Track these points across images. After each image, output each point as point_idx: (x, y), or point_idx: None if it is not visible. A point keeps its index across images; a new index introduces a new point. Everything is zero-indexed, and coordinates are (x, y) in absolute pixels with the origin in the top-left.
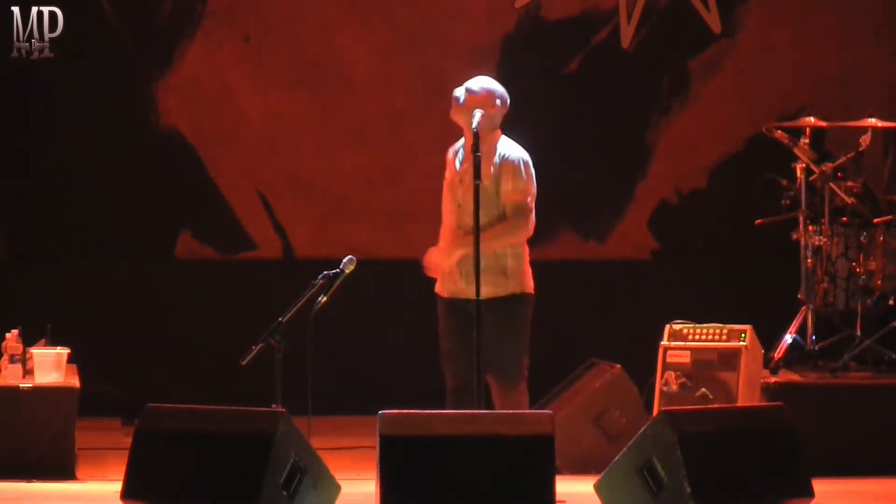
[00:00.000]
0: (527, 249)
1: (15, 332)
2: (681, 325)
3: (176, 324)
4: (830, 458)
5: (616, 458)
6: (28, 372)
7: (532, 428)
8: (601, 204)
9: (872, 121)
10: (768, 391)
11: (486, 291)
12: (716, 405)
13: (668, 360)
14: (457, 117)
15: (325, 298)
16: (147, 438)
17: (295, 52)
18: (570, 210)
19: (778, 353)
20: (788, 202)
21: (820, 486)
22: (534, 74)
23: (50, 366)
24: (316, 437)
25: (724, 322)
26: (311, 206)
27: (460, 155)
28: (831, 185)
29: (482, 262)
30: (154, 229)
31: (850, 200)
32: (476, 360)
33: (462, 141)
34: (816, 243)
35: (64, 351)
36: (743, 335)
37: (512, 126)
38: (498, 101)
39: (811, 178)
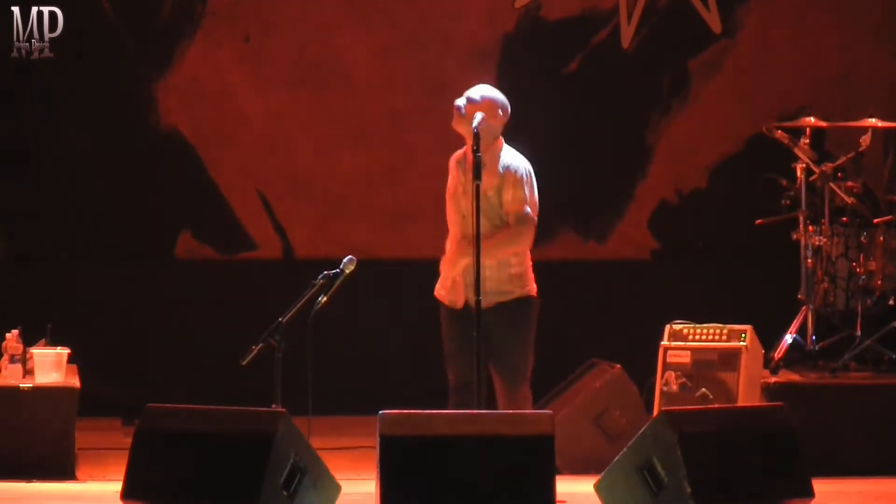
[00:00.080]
0: (529, 255)
1: (15, 332)
2: (681, 325)
3: (176, 324)
4: (830, 458)
5: (616, 458)
6: (28, 372)
7: (532, 428)
8: (601, 204)
9: (872, 121)
10: (768, 391)
11: (492, 300)
12: (716, 405)
13: (669, 360)
14: (458, 127)
15: (325, 298)
16: (147, 438)
17: (295, 52)
18: (570, 210)
19: (778, 353)
20: (788, 202)
21: (820, 486)
22: (534, 74)
23: (50, 366)
24: (316, 437)
25: (724, 322)
26: (311, 206)
27: (463, 165)
28: (831, 185)
29: (487, 273)
30: (154, 229)
31: (850, 200)
32: (476, 360)
33: (464, 150)
34: (816, 243)
35: (64, 351)
36: (743, 335)
37: (512, 126)
38: (500, 111)
39: (811, 179)
